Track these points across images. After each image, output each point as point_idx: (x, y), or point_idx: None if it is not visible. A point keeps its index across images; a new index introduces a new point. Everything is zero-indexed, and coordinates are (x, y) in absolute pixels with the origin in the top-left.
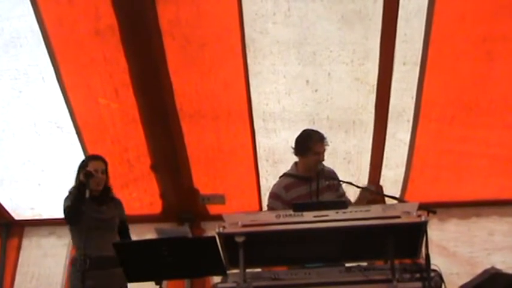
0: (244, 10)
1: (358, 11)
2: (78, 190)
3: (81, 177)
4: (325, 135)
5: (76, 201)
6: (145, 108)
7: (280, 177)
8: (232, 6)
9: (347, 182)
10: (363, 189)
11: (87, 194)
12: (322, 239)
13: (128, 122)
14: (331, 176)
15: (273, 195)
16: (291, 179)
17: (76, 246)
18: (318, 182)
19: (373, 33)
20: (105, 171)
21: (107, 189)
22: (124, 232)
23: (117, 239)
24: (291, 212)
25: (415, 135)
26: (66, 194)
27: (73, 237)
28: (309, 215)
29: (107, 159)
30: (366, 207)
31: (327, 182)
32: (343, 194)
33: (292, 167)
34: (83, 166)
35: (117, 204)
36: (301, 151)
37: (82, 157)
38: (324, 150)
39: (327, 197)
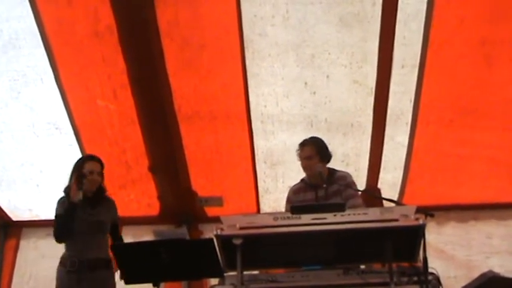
0: (243, 12)
1: (357, 13)
2: (68, 203)
3: (74, 179)
4: (315, 137)
5: (66, 221)
6: (143, 110)
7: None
8: (231, 8)
9: (355, 189)
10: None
11: (80, 196)
12: (320, 242)
13: (126, 123)
14: (339, 181)
15: (287, 198)
16: (302, 184)
17: (67, 247)
18: (326, 189)
19: (371, 36)
20: (101, 173)
21: (101, 190)
22: (115, 233)
23: (107, 240)
24: (289, 215)
25: (413, 138)
26: (61, 195)
27: None
28: (306, 218)
29: (105, 160)
30: (364, 210)
31: (335, 188)
32: (349, 196)
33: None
34: (78, 166)
35: (111, 205)
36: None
37: None
38: (307, 155)
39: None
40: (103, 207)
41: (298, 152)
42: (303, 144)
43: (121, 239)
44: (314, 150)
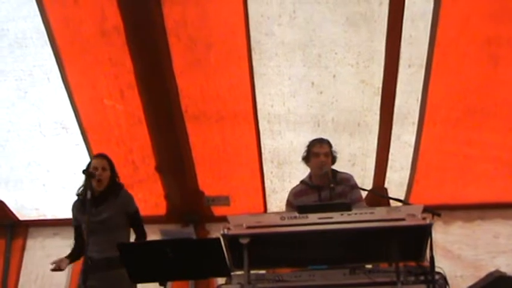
0: (250, 12)
1: (364, 13)
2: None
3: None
4: (328, 139)
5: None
6: (150, 110)
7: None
8: (238, 7)
9: (362, 189)
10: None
11: (89, 195)
12: (326, 241)
13: (133, 123)
14: (343, 182)
15: (287, 202)
16: (303, 186)
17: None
18: (331, 190)
19: (378, 35)
20: (109, 168)
21: (112, 186)
22: (135, 225)
23: (123, 236)
24: (296, 214)
25: (420, 138)
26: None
27: None
28: (313, 217)
29: (112, 160)
30: (371, 209)
31: (340, 189)
32: (354, 201)
33: (307, 175)
34: (87, 167)
35: (120, 199)
36: (306, 158)
37: (87, 158)
38: (326, 152)
39: None
40: (107, 205)
41: (315, 148)
42: (322, 141)
43: (143, 233)
44: (329, 149)
